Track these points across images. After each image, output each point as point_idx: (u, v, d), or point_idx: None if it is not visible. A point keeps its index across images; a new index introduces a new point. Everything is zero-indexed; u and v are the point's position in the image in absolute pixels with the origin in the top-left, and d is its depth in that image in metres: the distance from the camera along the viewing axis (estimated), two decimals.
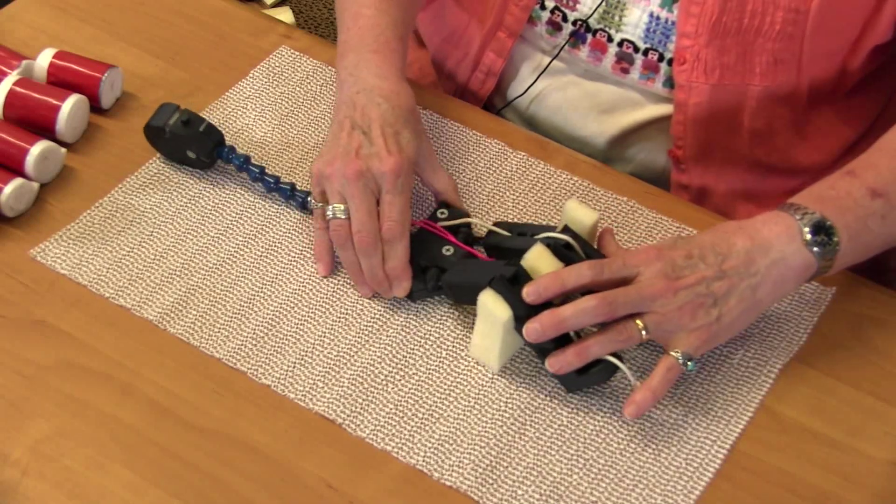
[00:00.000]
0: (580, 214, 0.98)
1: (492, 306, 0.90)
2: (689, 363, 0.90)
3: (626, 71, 1.12)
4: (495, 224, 1.01)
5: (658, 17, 1.08)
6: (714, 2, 1.04)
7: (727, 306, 0.90)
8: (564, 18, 1.13)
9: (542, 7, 1.14)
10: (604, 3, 1.10)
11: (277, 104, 1.15)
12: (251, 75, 1.17)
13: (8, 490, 0.87)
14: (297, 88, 1.16)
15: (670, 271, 0.90)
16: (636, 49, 1.10)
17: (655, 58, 1.10)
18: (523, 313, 0.90)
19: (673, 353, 0.90)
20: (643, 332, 0.90)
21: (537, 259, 0.93)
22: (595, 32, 1.12)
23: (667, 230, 1.05)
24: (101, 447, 0.89)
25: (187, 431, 0.90)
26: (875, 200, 0.94)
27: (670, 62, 1.09)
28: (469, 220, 1.01)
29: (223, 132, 1.07)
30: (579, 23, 1.12)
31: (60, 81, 1.12)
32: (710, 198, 1.15)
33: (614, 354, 0.90)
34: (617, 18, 1.10)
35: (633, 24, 1.10)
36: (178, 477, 0.87)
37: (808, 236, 0.92)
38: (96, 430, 0.90)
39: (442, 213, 1.02)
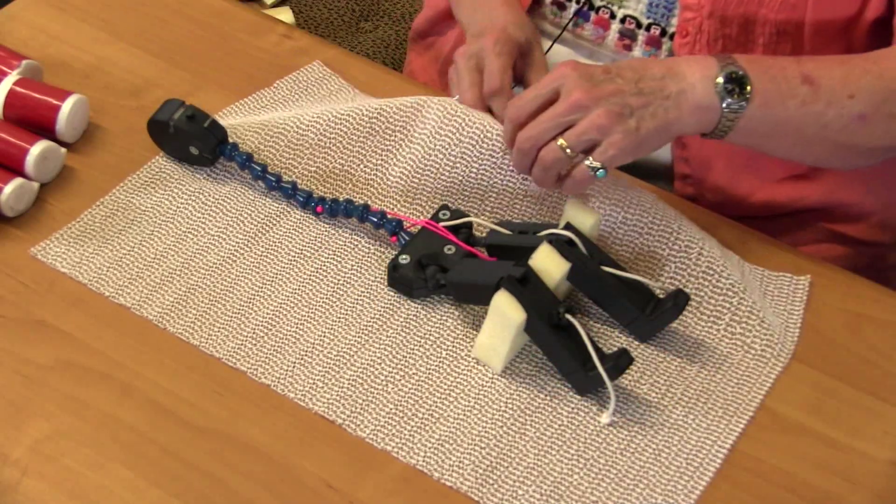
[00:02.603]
0: (581, 214, 0.98)
1: (506, 308, 0.90)
2: (599, 172, 0.95)
3: (628, 48, 1.13)
4: (496, 223, 1.01)
5: None
6: None
7: (643, 120, 0.94)
8: None
9: None
10: None
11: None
12: (276, 85, 1.17)
13: (8, 490, 0.87)
14: (317, 105, 1.14)
15: (587, 81, 0.94)
16: (639, 24, 1.11)
17: (658, 33, 1.11)
18: (534, 315, 0.90)
19: (586, 163, 0.95)
20: (567, 150, 0.94)
21: (544, 259, 0.93)
22: (598, 10, 1.13)
23: (666, 230, 1.05)
24: (101, 447, 0.89)
25: (187, 431, 0.90)
26: (803, 86, 0.98)
27: (672, 37, 1.10)
28: (470, 219, 1.01)
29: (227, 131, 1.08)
30: (583, 0, 1.13)
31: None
32: (711, 172, 1.15)
33: (621, 352, 0.90)
34: None
35: None
36: (178, 477, 0.87)
37: (720, 81, 0.95)
38: (96, 430, 0.90)
39: (444, 213, 1.02)
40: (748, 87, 0.96)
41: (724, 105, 0.96)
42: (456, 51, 1.07)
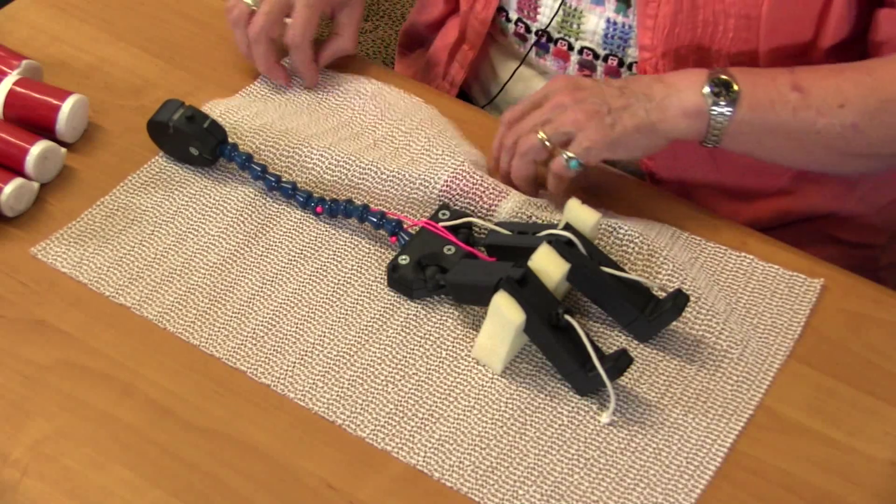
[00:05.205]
0: (581, 214, 0.98)
1: (505, 309, 0.90)
2: (572, 162, 0.99)
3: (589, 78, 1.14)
4: (496, 224, 1.01)
5: (615, 23, 1.10)
6: (666, 14, 1.05)
7: (621, 118, 0.98)
8: (528, 30, 1.16)
9: (508, 20, 1.17)
10: (561, 12, 1.12)
11: (283, 105, 1.14)
12: (261, 79, 1.17)
13: (8, 490, 0.87)
14: (306, 95, 1.16)
15: (573, 86, 1.00)
16: (596, 56, 1.12)
17: (615, 63, 1.12)
18: (534, 316, 0.90)
19: (563, 154, 0.99)
20: (546, 142, 0.99)
21: (544, 259, 0.93)
22: (556, 41, 1.14)
23: (665, 230, 1.05)
24: (101, 447, 0.89)
25: (187, 431, 0.90)
26: (793, 92, 1.00)
27: (630, 67, 1.11)
28: (470, 219, 1.01)
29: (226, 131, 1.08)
30: (540, 32, 1.14)
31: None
32: (690, 194, 1.15)
33: (621, 353, 0.90)
34: (575, 27, 1.13)
35: (591, 31, 1.12)
36: (178, 477, 0.87)
37: (707, 89, 0.98)
38: (96, 430, 0.90)
39: (444, 213, 1.02)
40: (735, 89, 0.98)
41: (711, 109, 0.98)
42: None
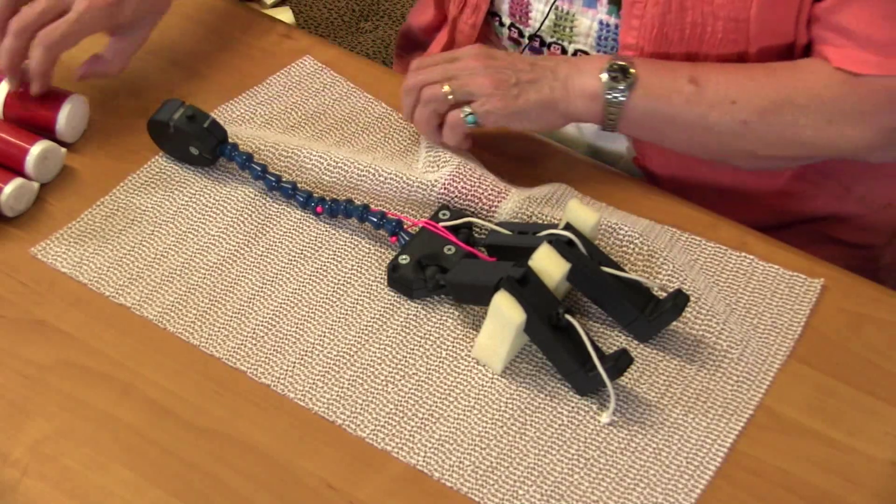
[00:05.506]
0: (581, 215, 0.98)
1: (505, 308, 0.90)
2: (469, 117, 1.02)
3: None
4: (496, 224, 1.01)
5: (608, 25, 1.10)
6: (654, 15, 1.05)
7: (526, 92, 1.02)
8: (521, 34, 1.16)
9: (501, 24, 1.18)
10: (552, 16, 1.12)
11: (287, 113, 1.14)
12: (268, 81, 1.17)
13: (8, 490, 0.87)
14: (311, 100, 1.16)
15: (485, 54, 1.04)
16: None
17: None
18: (534, 315, 0.90)
19: (463, 109, 1.02)
20: (449, 96, 1.02)
21: (544, 259, 0.93)
22: (549, 46, 1.14)
23: (666, 231, 1.05)
24: (101, 447, 0.89)
25: (187, 431, 0.90)
26: (689, 85, 1.03)
27: None
28: (471, 220, 1.01)
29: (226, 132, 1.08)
30: (533, 37, 1.15)
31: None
32: (690, 195, 1.15)
33: (621, 353, 0.90)
34: (568, 30, 1.13)
35: (584, 33, 1.12)
36: (178, 477, 0.87)
37: (605, 75, 1.02)
38: (96, 430, 0.90)
39: (444, 213, 1.02)
40: (631, 73, 1.02)
41: (606, 93, 1.02)
42: None
